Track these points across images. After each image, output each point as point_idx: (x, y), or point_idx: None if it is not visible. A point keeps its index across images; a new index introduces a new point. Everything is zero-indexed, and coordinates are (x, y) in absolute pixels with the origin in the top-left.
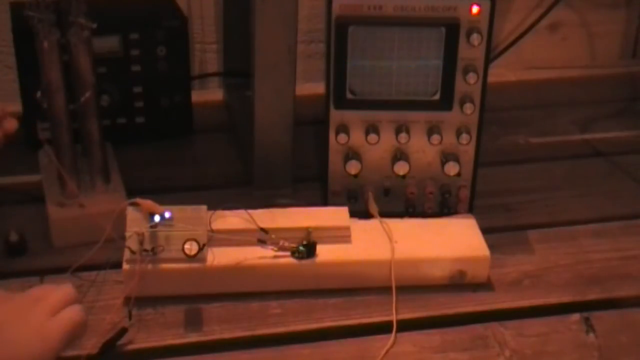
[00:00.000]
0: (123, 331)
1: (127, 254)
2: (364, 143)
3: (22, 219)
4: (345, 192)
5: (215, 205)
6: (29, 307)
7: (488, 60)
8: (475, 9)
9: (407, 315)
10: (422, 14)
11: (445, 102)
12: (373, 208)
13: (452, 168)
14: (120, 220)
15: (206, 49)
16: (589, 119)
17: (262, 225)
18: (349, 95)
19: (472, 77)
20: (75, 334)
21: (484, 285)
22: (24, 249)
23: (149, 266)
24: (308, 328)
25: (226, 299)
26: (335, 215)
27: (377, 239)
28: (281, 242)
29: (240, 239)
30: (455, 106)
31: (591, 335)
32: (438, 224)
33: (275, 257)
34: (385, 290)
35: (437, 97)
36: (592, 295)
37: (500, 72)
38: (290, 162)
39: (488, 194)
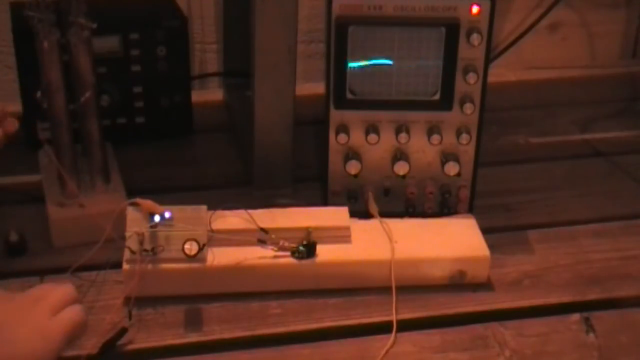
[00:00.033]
0: (123, 331)
1: (127, 254)
2: (364, 143)
3: (22, 219)
4: (345, 192)
5: (215, 205)
6: (29, 307)
7: (488, 60)
8: (475, 9)
9: (407, 315)
10: (422, 14)
11: (445, 102)
12: (373, 208)
13: (452, 168)
14: (120, 220)
15: (206, 49)
16: (589, 119)
17: (262, 225)
18: (349, 95)
19: (472, 77)
20: (75, 334)
21: (484, 285)
22: (24, 249)
23: (149, 266)
24: (308, 328)
25: (226, 299)
26: (335, 215)
27: (377, 239)
28: (281, 242)
29: (240, 239)
30: (455, 106)
31: (591, 335)
32: (438, 224)
33: (275, 257)
34: (385, 290)
35: (437, 97)
36: (592, 295)
37: (500, 72)
38: (290, 162)
39: (488, 194)
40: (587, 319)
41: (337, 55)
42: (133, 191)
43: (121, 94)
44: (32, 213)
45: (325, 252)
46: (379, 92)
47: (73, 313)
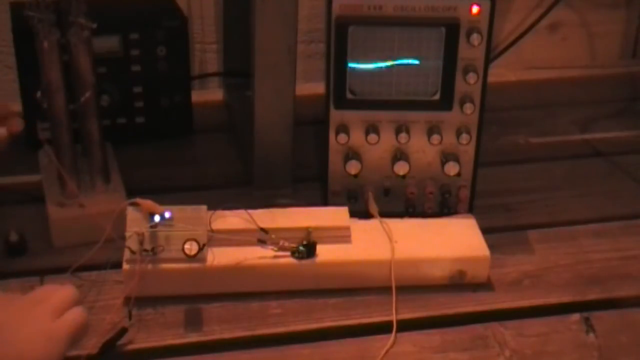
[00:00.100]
0: (123, 331)
1: (127, 254)
2: (364, 143)
3: (22, 219)
4: (345, 192)
5: (215, 205)
6: (32, 309)
7: (488, 60)
8: (475, 9)
9: (407, 315)
10: (422, 14)
11: (445, 102)
12: (373, 208)
13: (452, 168)
14: (120, 220)
15: (206, 49)
16: (589, 119)
17: (262, 225)
18: (349, 95)
19: (472, 77)
20: (78, 336)
21: (484, 285)
22: (24, 249)
23: (149, 266)
24: (308, 328)
25: (226, 299)
26: (335, 215)
27: (377, 239)
28: (281, 242)
29: (240, 239)
30: (455, 106)
31: (591, 335)
32: (438, 224)
33: (275, 257)
34: (385, 290)
35: (437, 97)
36: (592, 295)
37: (500, 72)
38: (290, 162)
39: (488, 194)
40: (587, 319)
41: (337, 55)
42: (133, 191)
43: (121, 94)
44: (32, 213)
45: (325, 252)
46: (379, 92)
47: (76, 315)
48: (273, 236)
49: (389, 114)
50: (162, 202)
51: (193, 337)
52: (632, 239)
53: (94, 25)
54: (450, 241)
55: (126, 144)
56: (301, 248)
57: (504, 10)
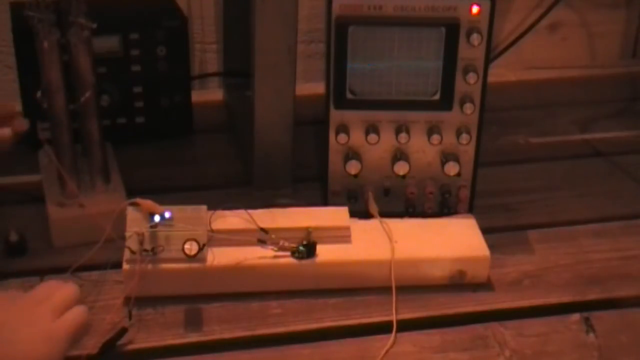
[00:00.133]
0: (123, 331)
1: (127, 254)
2: (364, 143)
3: (22, 219)
4: (345, 192)
5: (215, 205)
6: (33, 309)
7: (488, 60)
8: (475, 9)
9: (407, 315)
10: (422, 14)
11: (445, 102)
12: (373, 208)
13: (452, 168)
14: (120, 220)
15: (206, 49)
16: (589, 119)
17: (262, 225)
18: (349, 95)
19: (472, 77)
20: (79, 335)
21: (484, 285)
22: (24, 249)
23: (149, 266)
24: (308, 328)
25: (226, 299)
26: (335, 215)
27: (377, 239)
28: (281, 242)
29: (240, 239)
30: (455, 106)
31: (591, 335)
32: (438, 224)
33: (275, 257)
34: (385, 290)
35: (437, 97)
36: (592, 295)
37: (500, 72)
38: (290, 162)
39: (488, 194)
40: (587, 319)
41: (337, 55)
42: (133, 191)
43: (121, 94)
44: (32, 213)
45: (325, 252)
46: (379, 92)
47: (77, 314)
48: (273, 236)
49: (389, 114)
50: (162, 202)
51: (193, 337)
52: (632, 239)
53: (94, 25)
54: (450, 241)
55: (126, 144)
56: (301, 248)
57: (504, 10)
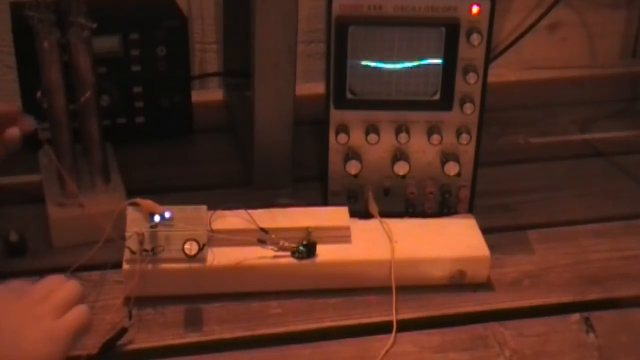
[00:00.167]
0: (123, 331)
1: (127, 254)
2: (364, 143)
3: (22, 219)
4: (345, 192)
5: (215, 205)
6: (34, 308)
7: (488, 60)
8: (475, 9)
9: (407, 315)
10: (422, 14)
11: (445, 102)
12: (373, 208)
13: (452, 168)
14: (120, 220)
15: (206, 49)
16: (589, 119)
17: (262, 225)
18: (349, 95)
19: (472, 77)
20: (81, 335)
21: (484, 285)
22: (24, 249)
23: (149, 266)
24: (308, 328)
25: (226, 299)
26: (335, 215)
27: (377, 239)
28: (281, 242)
29: (240, 239)
30: (455, 106)
31: (591, 335)
32: (438, 224)
33: (275, 257)
34: (385, 290)
35: (437, 97)
36: (592, 295)
37: (500, 72)
38: (290, 162)
39: (488, 194)
40: (587, 319)
41: (337, 55)
42: (133, 191)
43: (121, 94)
44: (32, 213)
45: (325, 252)
46: (379, 92)
47: (78, 314)
48: (273, 236)
49: (389, 114)
50: (162, 202)
51: (193, 337)
52: (632, 239)
53: (94, 25)
54: (450, 241)
55: (126, 144)
56: (301, 248)
57: (504, 10)
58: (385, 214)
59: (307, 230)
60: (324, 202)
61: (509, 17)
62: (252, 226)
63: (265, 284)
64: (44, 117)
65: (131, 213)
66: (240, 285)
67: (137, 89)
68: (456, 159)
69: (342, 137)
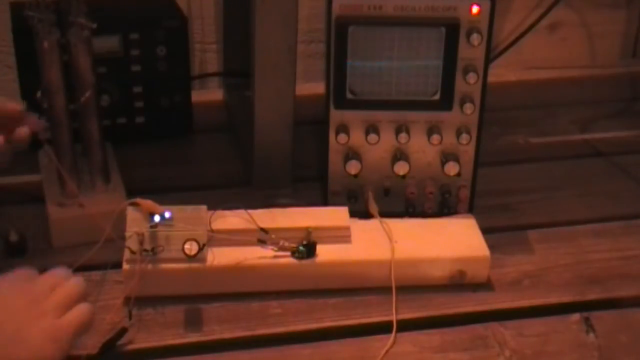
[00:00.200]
0: (123, 331)
1: (127, 254)
2: (364, 143)
3: (22, 219)
4: (345, 192)
5: (215, 205)
6: (37, 305)
7: (488, 60)
8: (475, 9)
9: (407, 315)
10: (422, 14)
11: (445, 102)
12: (373, 208)
13: (452, 168)
14: (120, 220)
15: (206, 49)
16: (589, 119)
17: (262, 225)
18: (349, 95)
19: (472, 77)
20: (82, 333)
21: (484, 285)
22: (24, 249)
23: (149, 266)
24: (308, 328)
25: (226, 299)
26: (335, 215)
27: (377, 239)
28: (281, 242)
29: (240, 239)
30: (455, 106)
31: (591, 335)
32: (438, 224)
33: (275, 257)
34: (385, 290)
35: (437, 97)
36: (592, 295)
37: (500, 72)
38: (290, 162)
39: (488, 194)
40: (587, 319)
41: (337, 55)
42: (133, 191)
43: (121, 94)
44: (32, 213)
45: (325, 252)
46: (379, 92)
47: (81, 312)
48: (273, 236)
49: (389, 114)
50: (162, 202)
51: (193, 337)
52: (632, 239)
53: (94, 25)
54: (450, 241)
55: (126, 144)
56: (301, 248)
57: (504, 10)
58: (385, 214)
59: (307, 230)
60: (324, 202)
61: (509, 17)
62: (252, 226)
63: (265, 284)
64: (44, 117)
65: (131, 213)
66: (240, 285)
67: (137, 89)
68: (456, 159)
69: (342, 137)
